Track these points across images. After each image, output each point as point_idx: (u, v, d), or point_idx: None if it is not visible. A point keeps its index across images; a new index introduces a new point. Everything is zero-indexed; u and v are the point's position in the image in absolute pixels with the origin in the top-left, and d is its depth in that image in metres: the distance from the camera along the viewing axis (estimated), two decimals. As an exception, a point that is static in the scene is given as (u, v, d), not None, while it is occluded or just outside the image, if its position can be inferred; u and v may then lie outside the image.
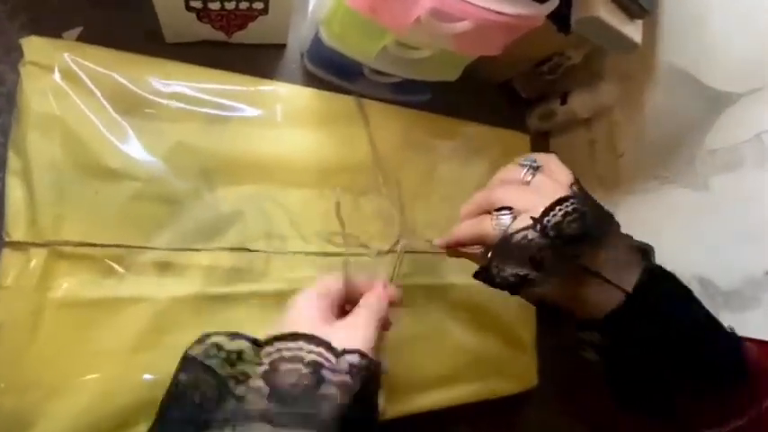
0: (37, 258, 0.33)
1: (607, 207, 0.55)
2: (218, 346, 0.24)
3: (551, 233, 0.29)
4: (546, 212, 0.29)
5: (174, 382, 0.24)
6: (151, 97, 0.38)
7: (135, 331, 0.35)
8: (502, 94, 0.60)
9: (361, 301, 0.31)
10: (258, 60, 0.45)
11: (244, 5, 0.38)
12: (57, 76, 0.34)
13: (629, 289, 0.29)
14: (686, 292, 0.31)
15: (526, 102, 0.61)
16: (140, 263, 0.36)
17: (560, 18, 0.42)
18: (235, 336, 0.24)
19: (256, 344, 0.24)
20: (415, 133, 0.50)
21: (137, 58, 0.38)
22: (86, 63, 0.36)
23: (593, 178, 0.58)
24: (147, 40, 0.40)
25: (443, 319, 0.48)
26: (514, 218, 0.30)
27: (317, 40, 0.43)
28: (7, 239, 0.33)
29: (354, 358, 0.25)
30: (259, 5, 0.39)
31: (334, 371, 0.24)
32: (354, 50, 0.42)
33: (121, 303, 0.35)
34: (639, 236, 0.53)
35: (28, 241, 0.33)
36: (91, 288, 0.34)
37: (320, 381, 0.23)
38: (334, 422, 0.22)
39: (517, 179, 0.33)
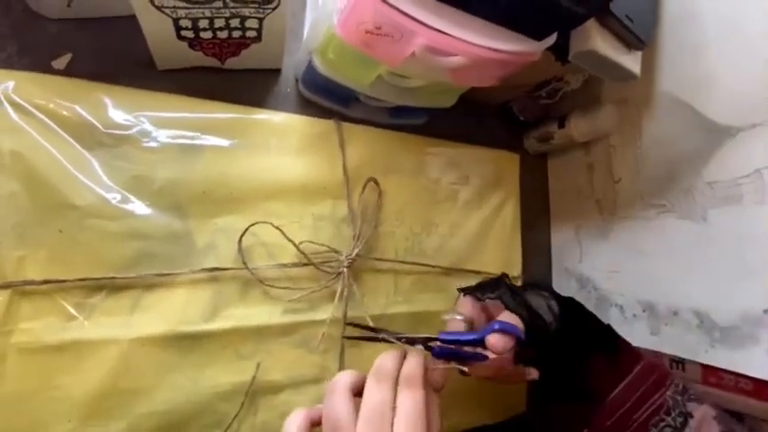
0: (-2, 301, 0.31)
1: (604, 231, 0.55)
2: None
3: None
4: None
5: None
6: (116, 132, 0.37)
7: (103, 375, 0.33)
8: (500, 116, 0.60)
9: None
10: (253, 85, 0.45)
11: (236, 34, 0.38)
12: (9, 109, 0.33)
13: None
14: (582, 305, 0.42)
15: (524, 124, 0.60)
16: (108, 303, 0.35)
17: (558, 48, 0.41)
18: None
19: None
20: (401, 156, 0.50)
21: (104, 87, 0.37)
22: (41, 95, 0.34)
23: (592, 202, 0.57)
24: (139, 67, 0.40)
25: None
26: None
27: (311, 67, 0.42)
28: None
29: None
30: (252, 34, 0.38)
31: None
32: (349, 79, 0.41)
33: (88, 346, 0.33)
34: (635, 263, 0.53)
35: (-12, 284, 0.31)
36: (56, 331, 0.33)
37: None
38: None
39: None
